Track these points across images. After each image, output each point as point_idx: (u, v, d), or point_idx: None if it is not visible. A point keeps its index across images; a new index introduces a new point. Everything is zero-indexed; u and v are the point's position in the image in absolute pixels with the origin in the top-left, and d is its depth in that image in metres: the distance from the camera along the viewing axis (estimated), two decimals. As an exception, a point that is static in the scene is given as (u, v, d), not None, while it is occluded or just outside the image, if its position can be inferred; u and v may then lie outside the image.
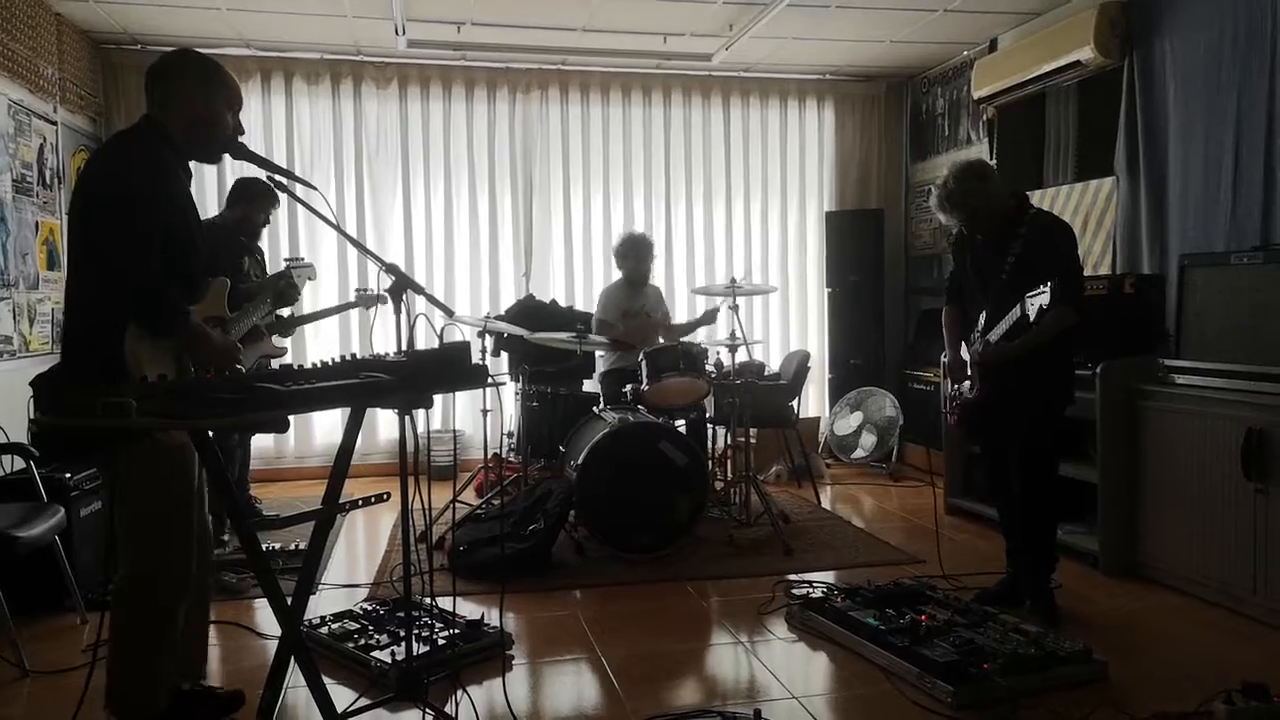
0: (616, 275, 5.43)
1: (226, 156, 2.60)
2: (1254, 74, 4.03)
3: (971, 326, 3.61)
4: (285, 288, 3.39)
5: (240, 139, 2.57)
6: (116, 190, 2.30)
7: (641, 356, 4.71)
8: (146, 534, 2.39)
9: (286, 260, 4.45)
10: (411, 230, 6.43)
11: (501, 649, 3.16)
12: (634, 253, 5.26)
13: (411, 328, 2.46)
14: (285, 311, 4.49)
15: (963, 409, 3.66)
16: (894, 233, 7.07)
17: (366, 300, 4.91)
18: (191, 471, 2.45)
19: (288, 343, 4.73)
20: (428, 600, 3.26)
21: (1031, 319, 3.15)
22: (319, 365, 2.09)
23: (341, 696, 2.69)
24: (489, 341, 4.73)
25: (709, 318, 5.43)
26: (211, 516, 2.76)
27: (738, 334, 4.72)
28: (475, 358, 2.56)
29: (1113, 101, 4.90)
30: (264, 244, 5.04)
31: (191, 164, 2.55)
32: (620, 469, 4.24)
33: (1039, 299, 3.08)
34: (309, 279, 4.42)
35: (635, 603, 3.76)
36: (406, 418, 2.51)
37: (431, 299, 2.58)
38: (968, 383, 3.62)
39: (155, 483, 2.38)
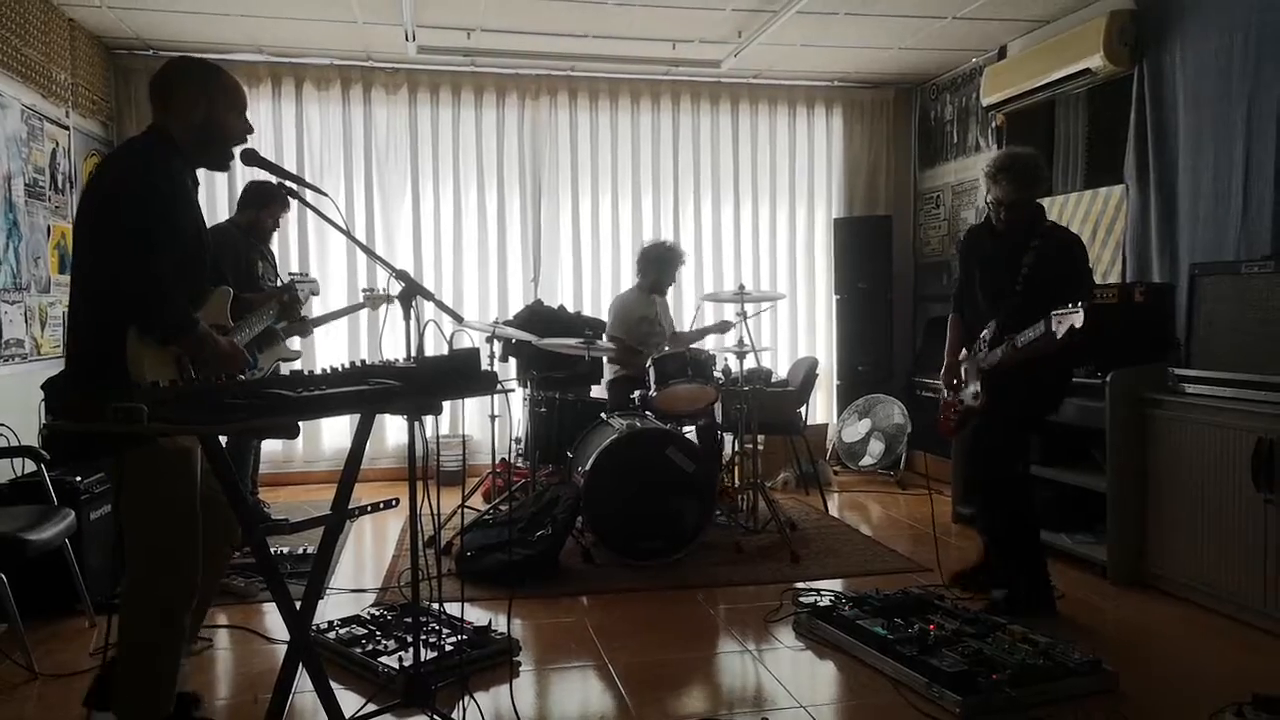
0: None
1: (237, 162, 2.61)
2: (1265, 82, 4.02)
3: (974, 337, 3.62)
4: (289, 300, 3.47)
5: (248, 143, 2.57)
6: (123, 197, 2.31)
7: (649, 363, 4.71)
8: (151, 538, 2.38)
9: (291, 274, 4.47)
10: (420, 235, 6.45)
11: (509, 655, 3.17)
12: (672, 263, 5.28)
13: (421, 333, 2.47)
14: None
15: (962, 415, 3.69)
16: (902, 239, 7.06)
17: (374, 301, 4.93)
18: (195, 475, 2.44)
19: (298, 345, 4.74)
20: (435, 606, 3.27)
21: (1059, 337, 3.14)
22: (329, 371, 2.09)
23: (348, 702, 2.69)
24: (497, 347, 4.74)
25: (721, 326, 5.41)
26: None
27: (746, 340, 4.72)
28: (483, 363, 2.56)
29: (1122, 109, 4.89)
30: (274, 249, 5.06)
31: (202, 171, 2.56)
32: (628, 475, 4.24)
33: (1070, 319, 3.08)
34: (312, 293, 4.46)
35: (642, 609, 3.76)
36: (415, 423, 2.51)
37: (441, 305, 2.57)
38: (968, 390, 3.64)
39: (159, 487, 2.37)
